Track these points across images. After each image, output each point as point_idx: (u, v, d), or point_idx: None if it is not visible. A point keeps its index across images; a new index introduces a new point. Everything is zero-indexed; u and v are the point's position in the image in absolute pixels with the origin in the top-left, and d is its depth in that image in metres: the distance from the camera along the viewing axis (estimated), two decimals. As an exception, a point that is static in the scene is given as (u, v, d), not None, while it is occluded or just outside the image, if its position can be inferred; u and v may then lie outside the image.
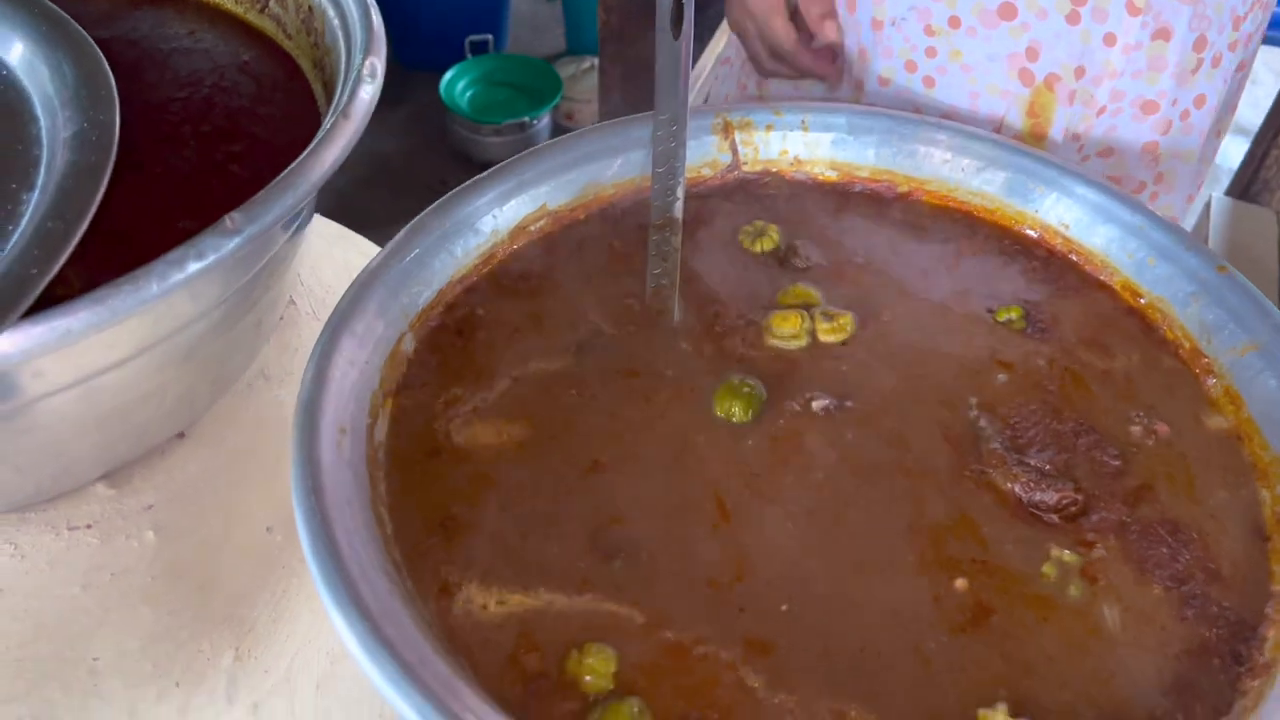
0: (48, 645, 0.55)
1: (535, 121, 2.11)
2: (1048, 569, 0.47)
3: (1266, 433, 0.51)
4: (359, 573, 0.42)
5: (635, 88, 1.83)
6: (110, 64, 0.64)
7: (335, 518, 0.44)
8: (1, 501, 0.55)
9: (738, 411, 0.52)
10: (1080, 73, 0.75)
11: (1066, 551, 0.48)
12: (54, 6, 0.54)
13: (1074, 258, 0.61)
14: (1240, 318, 0.54)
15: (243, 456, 0.62)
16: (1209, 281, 0.56)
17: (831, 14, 0.82)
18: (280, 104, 0.65)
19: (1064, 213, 0.61)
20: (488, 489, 0.49)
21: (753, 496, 0.49)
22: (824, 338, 0.56)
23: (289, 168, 0.48)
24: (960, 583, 0.46)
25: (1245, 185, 1.27)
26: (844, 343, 0.56)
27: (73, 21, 0.53)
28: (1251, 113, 1.48)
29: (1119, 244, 0.60)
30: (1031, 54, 0.75)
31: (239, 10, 0.70)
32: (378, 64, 0.56)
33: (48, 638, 0.55)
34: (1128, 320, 0.58)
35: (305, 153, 0.50)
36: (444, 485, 0.49)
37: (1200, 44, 0.76)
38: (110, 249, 0.52)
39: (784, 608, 0.45)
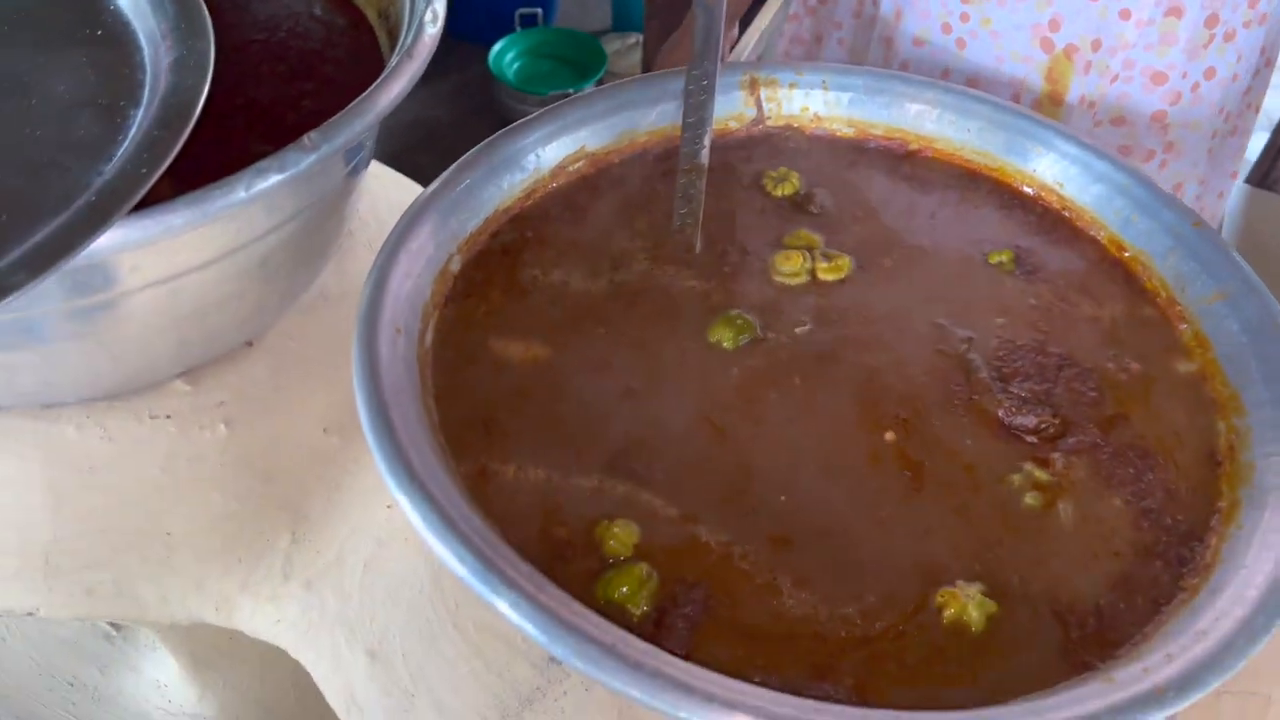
0: (130, 519, 0.63)
1: (578, 94, 2.17)
2: (1018, 479, 0.52)
3: (1228, 372, 0.57)
4: (409, 444, 0.49)
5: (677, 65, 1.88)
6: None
7: (390, 401, 0.51)
8: (96, 388, 0.62)
9: (728, 339, 0.58)
10: (1097, 44, 0.81)
11: (1037, 469, 0.53)
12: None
13: (1066, 213, 0.66)
14: (1211, 268, 0.60)
15: (304, 365, 0.69)
16: (1185, 236, 0.61)
17: None
18: (347, 48, 0.71)
19: (1058, 171, 0.67)
20: (521, 396, 0.56)
21: (743, 406, 0.55)
22: (823, 276, 0.62)
23: (360, 97, 0.55)
24: (935, 485, 0.52)
25: (1264, 174, 1.31)
26: (841, 281, 0.62)
27: (173, -38, 0.60)
28: (1271, 99, 1.51)
29: (1106, 201, 0.65)
30: (1054, 25, 0.81)
31: (312, -37, 0.77)
32: (439, 8, 0.62)
33: (130, 512, 0.63)
34: (1112, 270, 0.64)
35: (374, 84, 0.56)
36: (482, 389, 0.56)
37: (1212, 20, 0.80)
38: (198, 166, 0.59)
39: (778, 499, 0.51)
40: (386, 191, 0.84)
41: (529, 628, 0.42)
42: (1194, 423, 0.56)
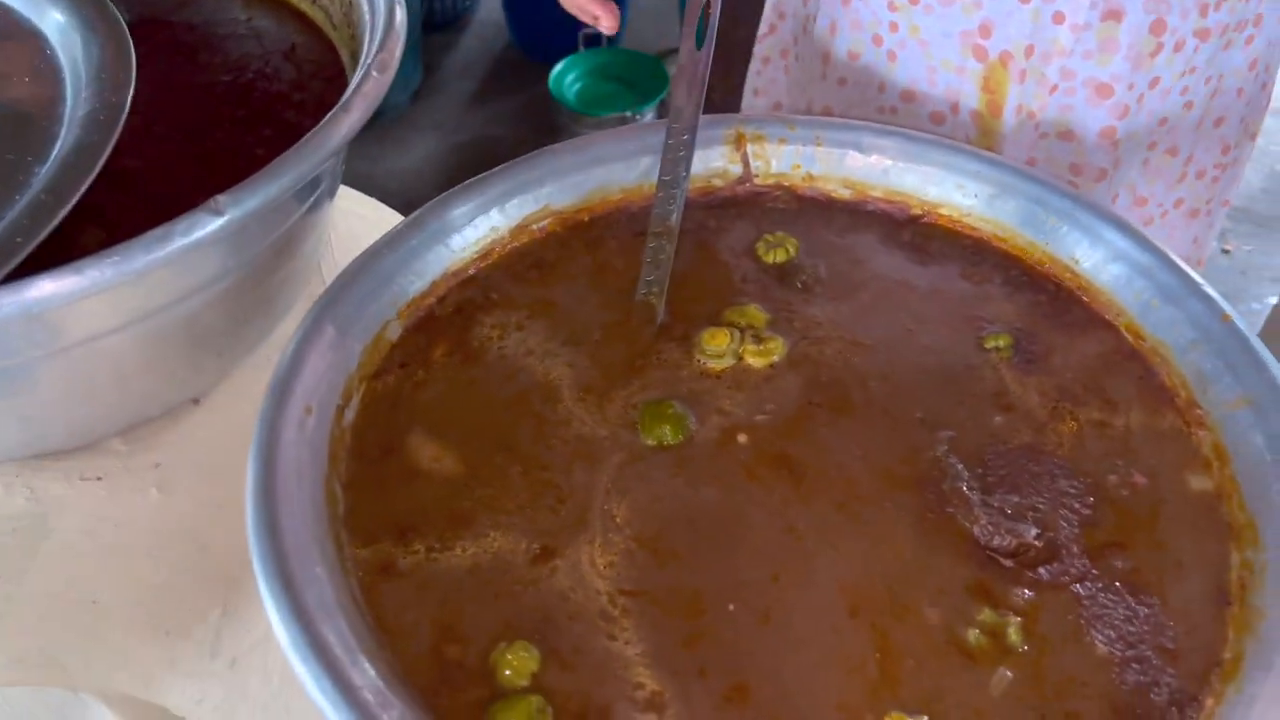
0: (55, 584, 0.60)
1: (637, 116, 2.12)
2: (979, 622, 0.46)
3: (1246, 492, 0.49)
4: (293, 545, 0.45)
5: (735, 83, 1.83)
6: (171, 46, 0.69)
7: (281, 491, 0.47)
8: (21, 448, 0.59)
9: (657, 436, 0.52)
10: (1030, 51, 0.74)
11: (996, 613, 0.46)
12: (98, -11, 0.58)
13: (1080, 294, 0.59)
14: (1237, 370, 0.52)
15: (250, 426, 0.65)
16: (1211, 330, 0.54)
17: None
18: (317, 91, 0.68)
19: (1074, 247, 0.59)
20: (432, 506, 0.50)
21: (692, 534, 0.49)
22: (750, 360, 0.56)
23: (276, 158, 0.51)
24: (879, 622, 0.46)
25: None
26: (771, 366, 0.55)
27: (110, 6, 0.57)
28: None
29: (1126, 283, 0.58)
30: (984, 31, 0.75)
31: (293, -1, 0.74)
32: (389, 60, 0.58)
33: (55, 578, 0.60)
34: (1127, 363, 0.56)
35: (298, 143, 0.52)
36: (394, 485, 0.51)
37: (1158, 27, 0.72)
38: (141, 217, 0.56)
39: (711, 638, 0.46)
40: (370, 231, 0.81)
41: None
42: (1204, 552, 0.48)
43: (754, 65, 0.99)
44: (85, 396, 0.56)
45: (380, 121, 1.99)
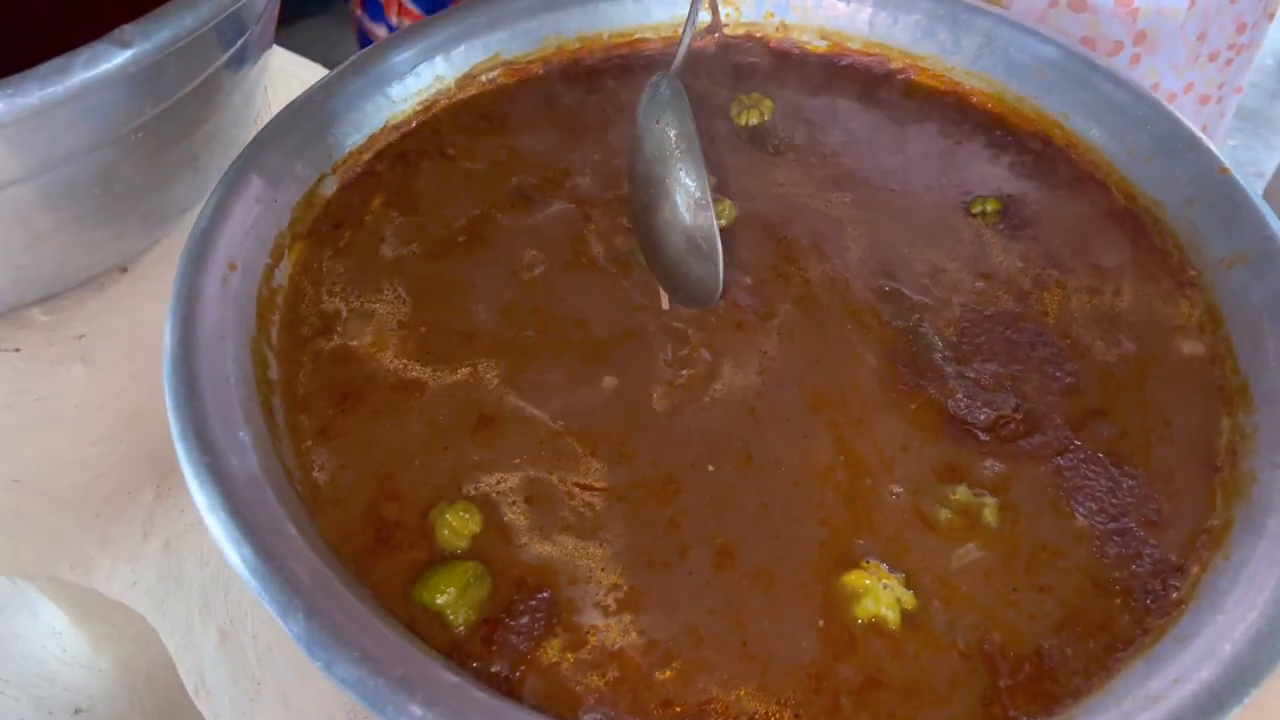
0: (-29, 461, 0.56)
1: None
2: (953, 502, 0.42)
3: (1241, 354, 0.46)
4: (213, 410, 0.41)
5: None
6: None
7: (204, 352, 0.43)
8: (-73, 315, 0.55)
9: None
10: None
11: (972, 492, 0.43)
12: None
13: (1070, 151, 0.55)
14: (1234, 226, 0.48)
15: (183, 295, 0.61)
16: (1209, 184, 0.50)
17: None
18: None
19: (1065, 102, 0.55)
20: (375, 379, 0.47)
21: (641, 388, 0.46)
22: None
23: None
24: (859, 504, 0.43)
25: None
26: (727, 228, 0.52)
27: None
28: None
29: (1120, 138, 0.54)
30: None
31: None
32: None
33: (-29, 453, 0.56)
34: (1117, 223, 0.53)
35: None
36: (332, 354, 0.47)
37: None
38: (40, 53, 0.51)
39: (671, 501, 0.42)
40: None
41: (311, 656, 0.34)
42: (1192, 417, 0.45)
43: None
44: (-7, 257, 0.52)
45: (340, 6, 1.90)
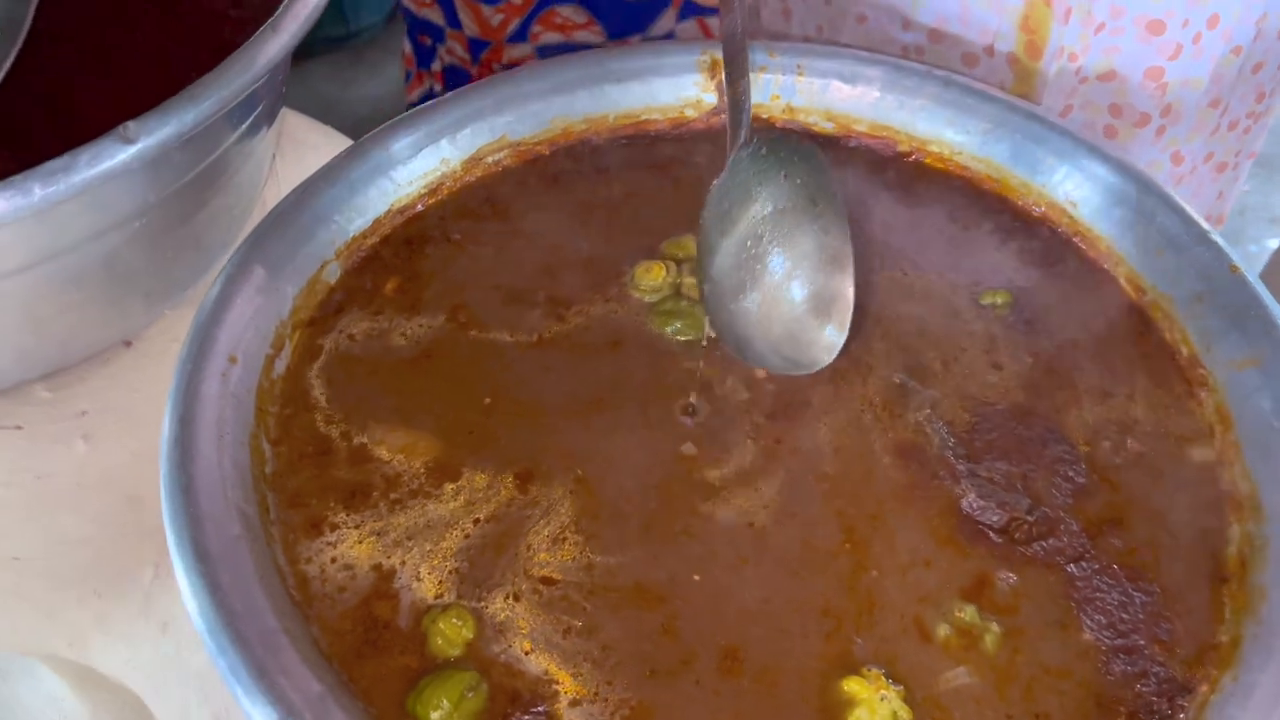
0: (-29, 538, 0.56)
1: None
2: (956, 619, 0.42)
3: (1250, 459, 0.45)
4: (209, 511, 0.41)
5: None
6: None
7: (200, 451, 0.43)
8: (-70, 394, 0.55)
9: None
10: None
11: (978, 613, 0.42)
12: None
13: (1078, 241, 0.55)
14: (1244, 327, 0.48)
15: (187, 370, 0.61)
16: (1218, 281, 0.49)
17: None
18: (255, 8, 0.62)
19: (1073, 190, 0.55)
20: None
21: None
22: (689, 292, 0.52)
23: (195, 81, 0.46)
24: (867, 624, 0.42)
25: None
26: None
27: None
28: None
29: (1128, 230, 0.53)
30: None
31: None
32: (325, -27, 0.52)
33: (-29, 531, 0.56)
34: (1126, 316, 0.52)
35: (220, 64, 0.47)
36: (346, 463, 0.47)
37: None
38: (61, 144, 0.51)
39: (671, 602, 0.42)
40: (321, 157, 0.75)
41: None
42: (1200, 526, 0.45)
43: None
44: (-3, 339, 0.52)
45: (353, 43, 1.91)
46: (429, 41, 1.10)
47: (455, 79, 1.10)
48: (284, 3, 0.52)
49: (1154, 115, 0.71)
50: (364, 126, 0.81)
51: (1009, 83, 0.72)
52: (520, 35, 1.04)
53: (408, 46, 1.14)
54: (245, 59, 0.47)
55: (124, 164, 0.44)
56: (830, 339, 0.48)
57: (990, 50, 0.72)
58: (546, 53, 1.06)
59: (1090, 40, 0.69)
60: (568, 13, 1.03)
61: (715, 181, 0.51)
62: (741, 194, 0.50)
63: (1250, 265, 0.50)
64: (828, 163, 0.51)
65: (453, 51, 1.08)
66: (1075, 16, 0.68)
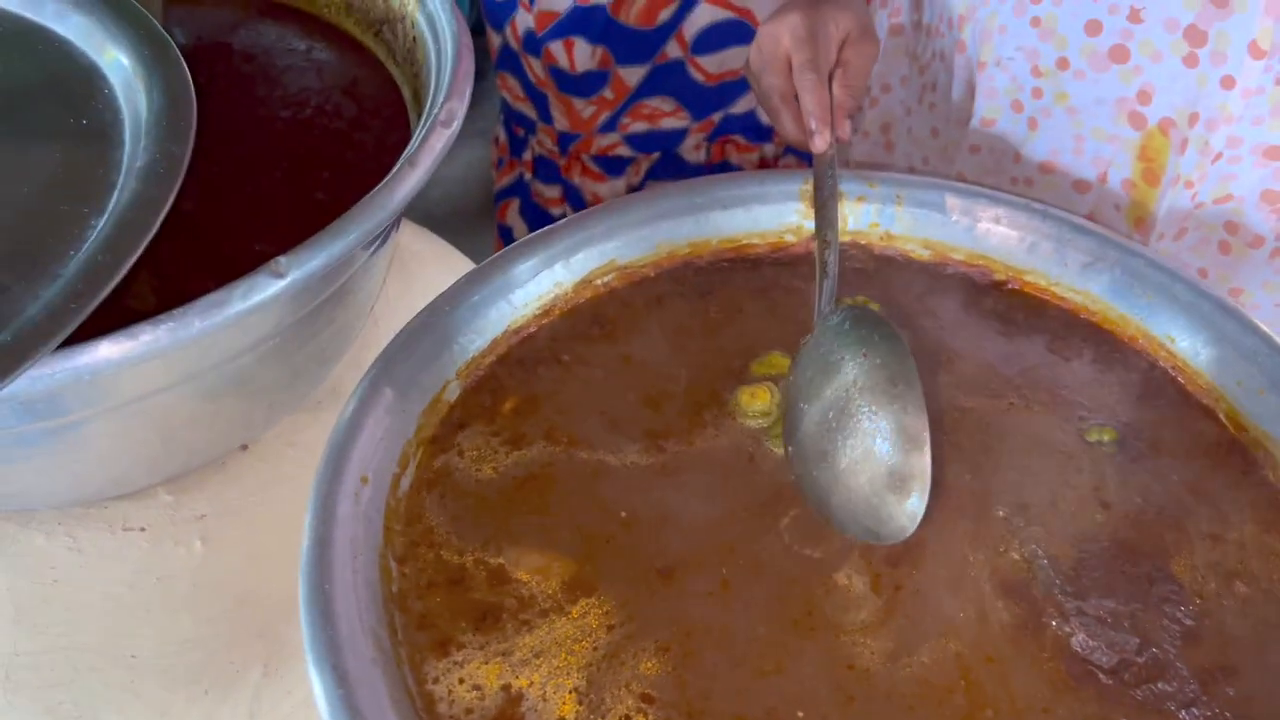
0: (93, 637, 0.58)
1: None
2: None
3: (1363, 611, 0.46)
4: (347, 634, 0.42)
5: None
6: (228, 77, 0.67)
7: (337, 574, 0.44)
8: (65, 497, 0.57)
9: None
10: (1194, 119, 0.69)
11: None
12: (160, 29, 0.56)
13: (1176, 375, 0.56)
14: (1352, 471, 0.48)
15: (300, 474, 0.63)
16: (1323, 425, 0.50)
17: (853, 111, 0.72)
18: (377, 131, 0.65)
19: (1170, 325, 0.56)
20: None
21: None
22: None
23: (343, 215, 0.48)
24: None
25: None
26: None
27: (174, 47, 0.55)
28: None
29: (1229, 368, 0.54)
30: (1144, 97, 0.70)
31: (355, 31, 0.71)
32: (457, 109, 0.55)
33: (93, 629, 0.58)
34: (1229, 455, 0.53)
35: (362, 200, 0.50)
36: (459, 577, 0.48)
37: None
38: (194, 263, 0.55)
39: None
40: (424, 268, 0.78)
41: None
42: (1313, 675, 0.45)
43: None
44: (131, 450, 0.54)
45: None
46: (522, 133, 1.14)
47: (544, 169, 1.14)
48: (416, 139, 0.55)
49: (1268, 238, 0.72)
50: (435, 209, 0.83)
51: (1124, 206, 0.74)
52: (610, 126, 1.08)
53: (502, 135, 1.18)
54: (385, 194, 0.50)
55: (274, 296, 0.47)
56: (913, 508, 0.48)
57: (1104, 178, 0.74)
58: (634, 140, 1.09)
59: (1208, 169, 0.70)
60: (656, 103, 1.06)
61: (802, 342, 0.53)
62: (824, 365, 0.52)
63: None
64: (908, 347, 0.51)
65: (543, 144, 1.12)
66: (1192, 147, 0.69)
